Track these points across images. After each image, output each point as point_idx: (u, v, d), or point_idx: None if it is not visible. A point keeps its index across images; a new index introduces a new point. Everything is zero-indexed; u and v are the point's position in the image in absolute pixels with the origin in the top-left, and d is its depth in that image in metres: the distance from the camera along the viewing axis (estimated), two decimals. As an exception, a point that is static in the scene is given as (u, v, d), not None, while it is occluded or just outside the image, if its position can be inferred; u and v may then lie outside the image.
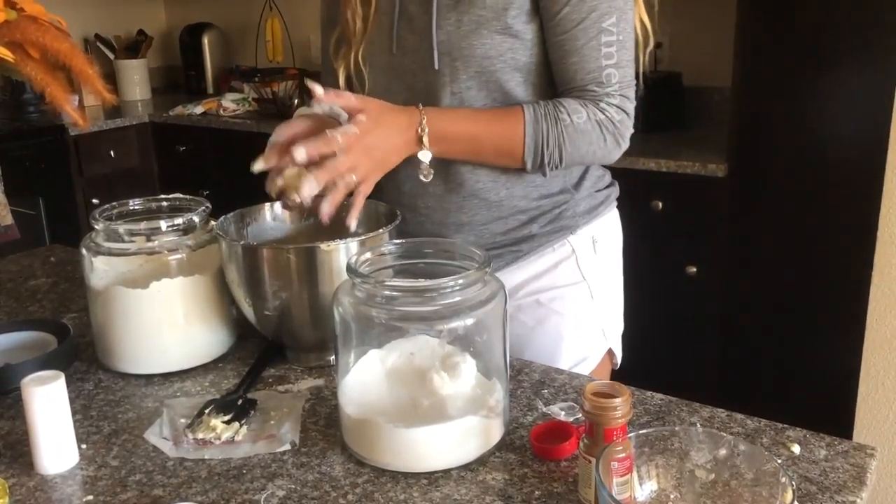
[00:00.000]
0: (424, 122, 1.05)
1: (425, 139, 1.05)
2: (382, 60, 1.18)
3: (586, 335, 1.23)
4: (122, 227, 1.07)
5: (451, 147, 1.09)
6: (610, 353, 1.27)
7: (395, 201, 1.19)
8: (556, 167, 1.11)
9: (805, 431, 0.89)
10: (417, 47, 1.14)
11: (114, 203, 1.15)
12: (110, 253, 1.06)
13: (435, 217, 1.20)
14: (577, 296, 1.21)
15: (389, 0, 1.16)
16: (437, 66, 1.12)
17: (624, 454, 0.74)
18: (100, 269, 1.07)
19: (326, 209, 0.99)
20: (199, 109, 3.29)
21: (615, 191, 1.28)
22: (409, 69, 1.16)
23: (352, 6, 1.17)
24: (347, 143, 0.98)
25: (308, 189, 0.97)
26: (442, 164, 1.13)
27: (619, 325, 1.30)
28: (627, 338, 1.31)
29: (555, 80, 1.13)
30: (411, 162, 1.08)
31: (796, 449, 0.85)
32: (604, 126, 1.09)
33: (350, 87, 1.23)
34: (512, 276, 1.20)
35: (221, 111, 3.26)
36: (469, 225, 1.19)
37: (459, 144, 1.10)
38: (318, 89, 0.98)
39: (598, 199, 1.24)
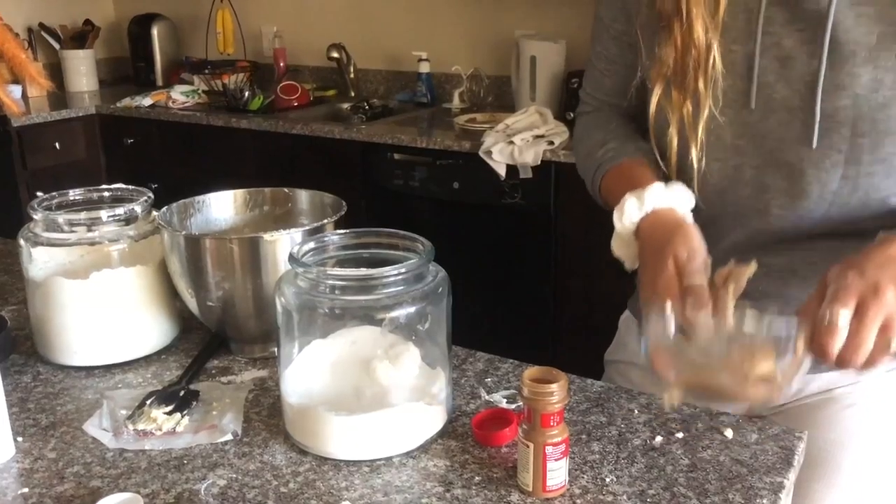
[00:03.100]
0: None
1: None
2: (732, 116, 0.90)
3: None
4: (61, 217, 1.06)
5: None
6: None
7: None
8: None
9: (738, 417, 0.91)
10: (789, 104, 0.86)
11: (54, 193, 1.13)
12: (49, 243, 1.05)
13: None
14: None
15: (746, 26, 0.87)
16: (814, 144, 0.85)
17: (560, 438, 0.76)
18: (38, 260, 1.05)
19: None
20: (147, 101, 3.24)
21: None
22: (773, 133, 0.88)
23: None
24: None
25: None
26: None
27: None
28: None
29: None
30: None
31: (729, 433, 0.88)
32: None
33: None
34: None
35: (171, 103, 3.21)
36: None
37: None
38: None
39: None
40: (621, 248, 0.91)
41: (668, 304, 0.78)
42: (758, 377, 0.72)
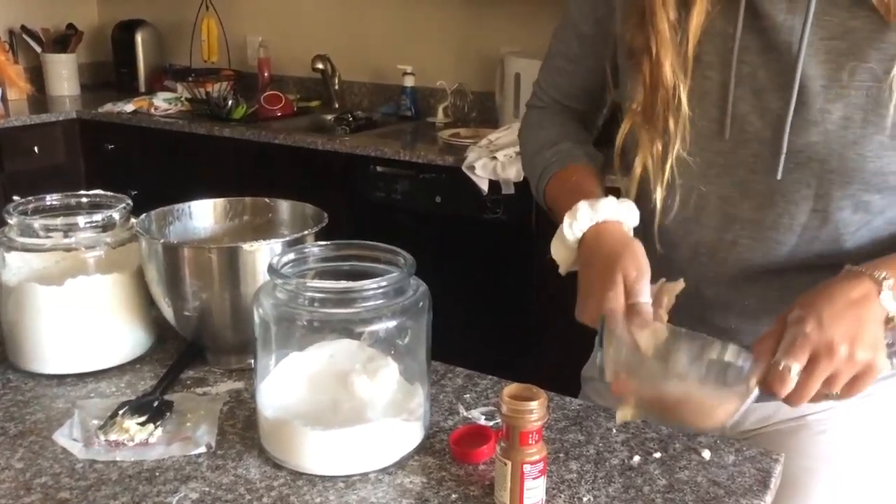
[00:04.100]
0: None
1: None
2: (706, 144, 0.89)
3: None
4: (37, 223, 1.04)
5: None
6: None
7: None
8: None
9: (716, 437, 0.91)
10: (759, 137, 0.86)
11: (30, 198, 1.11)
12: (24, 248, 1.03)
13: None
14: None
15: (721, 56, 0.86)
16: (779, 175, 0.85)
17: (538, 457, 0.75)
18: (12, 265, 1.03)
19: None
20: (129, 107, 3.21)
21: None
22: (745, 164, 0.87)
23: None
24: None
25: None
26: None
27: None
28: None
29: None
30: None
31: (706, 454, 0.88)
32: None
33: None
34: None
35: (153, 110, 3.19)
36: None
37: None
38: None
39: None
40: (561, 252, 0.92)
41: (619, 321, 0.81)
42: (711, 404, 0.77)
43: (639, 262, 0.83)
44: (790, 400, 0.76)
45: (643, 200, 0.93)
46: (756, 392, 0.76)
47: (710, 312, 0.96)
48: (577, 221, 0.88)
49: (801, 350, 0.74)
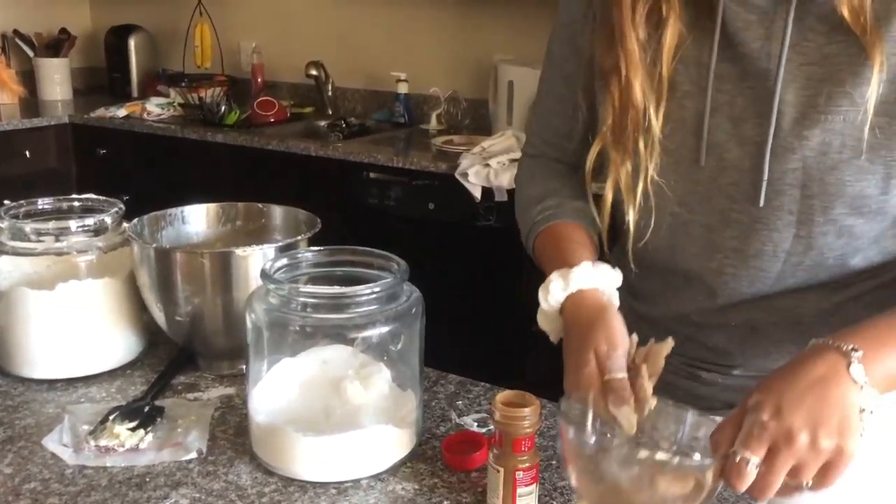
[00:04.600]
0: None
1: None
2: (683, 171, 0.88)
3: None
4: (28, 226, 1.04)
5: None
6: None
7: None
8: None
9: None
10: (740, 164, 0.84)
11: (22, 201, 1.11)
12: (15, 252, 1.03)
13: None
14: None
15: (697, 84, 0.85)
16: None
17: (530, 464, 0.75)
18: (3, 269, 1.03)
19: None
20: (122, 112, 3.20)
21: None
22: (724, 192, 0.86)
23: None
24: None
25: None
26: None
27: None
28: None
29: None
30: None
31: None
32: None
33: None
34: None
35: (146, 115, 3.18)
36: None
37: None
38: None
39: None
40: (546, 323, 0.89)
41: (590, 413, 0.75)
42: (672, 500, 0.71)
43: (611, 335, 0.79)
44: (753, 494, 0.70)
45: (619, 221, 0.92)
46: (718, 485, 0.71)
47: (698, 333, 0.95)
48: (551, 293, 0.86)
49: (757, 441, 0.68)
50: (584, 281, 0.85)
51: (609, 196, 0.90)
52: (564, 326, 0.85)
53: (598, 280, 0.85)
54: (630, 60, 0.84)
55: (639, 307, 0.99)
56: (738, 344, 0.93)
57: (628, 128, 0.86)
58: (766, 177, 0.83)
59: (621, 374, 0.76)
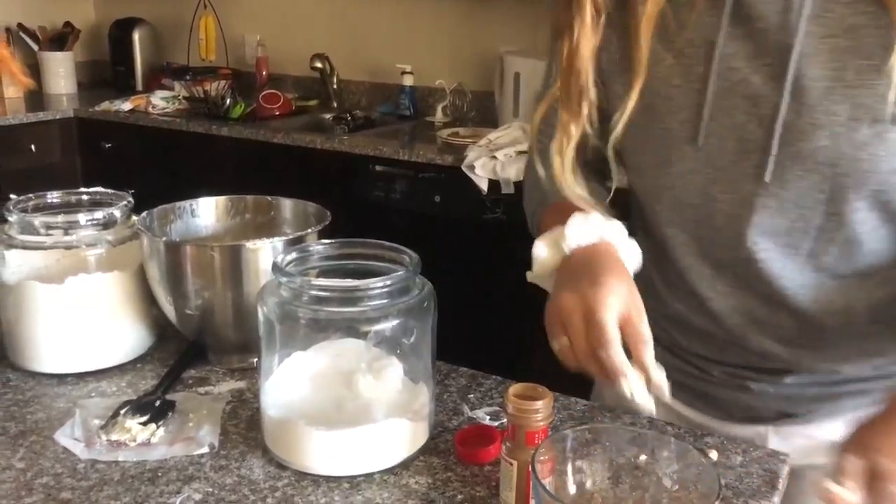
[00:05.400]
0: None
1: None
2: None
3: None
4: (37, 220, 1.03)
5: None
6: None
7: None
8: None
9: (723, 438, 0.91)
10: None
11: (30, 195, 1.10)
12: (24, 246, 1.02)
13: None
14: None
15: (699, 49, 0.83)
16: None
17: (546, 457, 0.74)
18: (12, 264, 1.02)
19: None
20: (126, 106, 3.20)
21: None
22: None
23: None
24: None
25: None
26: None
27: None
28: None
29: None
30: None
31: (714, 455, 0.87)
32: None
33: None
34: None
35: (150, 109, 3.17)
36: None
37: None
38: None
39: None
40: (543, 279, 0.87)
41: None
42: None
43: (635, 300, 0.77)
44: None
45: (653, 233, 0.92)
46: None
47: (743, 337, 0.92)
48: (572, 235, 0.84)
49: None
50: (605, 229, 0.84)
51: (557, 161, 0.89)
52: (563, 270, 0.84)
53: (616, 231, 0.85)
54: (582, 26, 0.84)
55: (669, 311, 0.97)
56: (785, 346, 0.90)
57: (572, 89, 0.86)
58: (774, 150, 0.80)
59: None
